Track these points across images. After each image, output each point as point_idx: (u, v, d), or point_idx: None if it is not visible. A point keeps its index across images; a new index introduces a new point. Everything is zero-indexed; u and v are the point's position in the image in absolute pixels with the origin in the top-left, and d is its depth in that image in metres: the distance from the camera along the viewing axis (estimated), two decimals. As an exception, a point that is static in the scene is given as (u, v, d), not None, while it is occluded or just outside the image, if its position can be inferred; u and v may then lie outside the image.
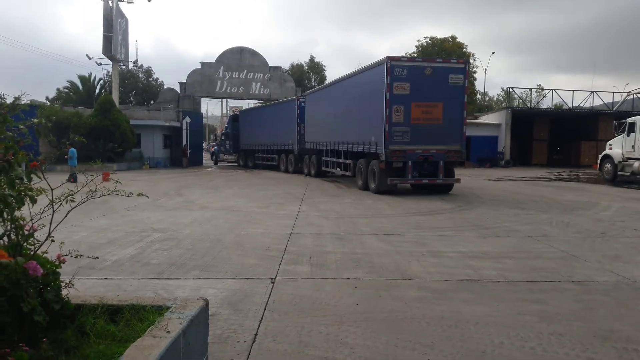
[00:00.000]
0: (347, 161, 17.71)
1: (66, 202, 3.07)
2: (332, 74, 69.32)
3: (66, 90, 47.97)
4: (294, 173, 24.36)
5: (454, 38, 46.39)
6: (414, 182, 14.74)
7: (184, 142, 33.43)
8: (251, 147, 30.92)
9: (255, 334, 3.91)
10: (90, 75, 47.45)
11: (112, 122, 27.61)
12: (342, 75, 18.66)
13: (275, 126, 26.78)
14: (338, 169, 19.09)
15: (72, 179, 16.40)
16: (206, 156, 46.67)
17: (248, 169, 30.90)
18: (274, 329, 4.03)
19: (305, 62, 53.29)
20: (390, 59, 13.83)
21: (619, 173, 20.86)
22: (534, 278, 5.68)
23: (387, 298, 4.87)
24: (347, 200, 13.32)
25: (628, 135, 20.27)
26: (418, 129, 14.04)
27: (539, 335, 3.96)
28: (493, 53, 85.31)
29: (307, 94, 24.31)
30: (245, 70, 36.51)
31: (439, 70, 14.07)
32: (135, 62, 41.53)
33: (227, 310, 4.46)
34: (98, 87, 47.72)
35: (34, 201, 2.78)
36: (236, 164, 34.43)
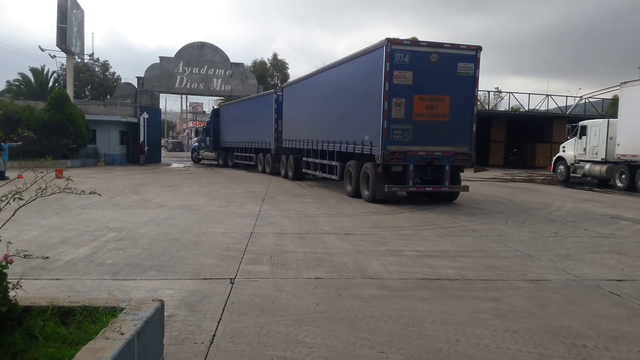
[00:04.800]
0: (333, 163, 15.46)
1: (14, 199, 2.94)
2: (294, 71, 69.33)
3: (17, 82, 46.07)
4: (272, 174, 22.72)
5: (415, 39, 47.03)
6: (416, 190, 12.57)
7: (142, 139, 32.62)
8: (230, 145, 29.39)
9: (214, 335, 3.86)
10: (43, 68, 45.75)
11: (66, 117, 26.66)
12: (328, 64, 16.40)
13: (252, 122, 25.31)
14: (321, 171, 16.79)
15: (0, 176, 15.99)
16: (164, 153, 45.75)
17: (227, 167, 29.60)
18: (232, 329, 3.99)
19: (268, 59, 52.93)
20: (390, 41, 11.68)
21: (572, 175, 21.70)
22: (489, 276, 5.83)
23: (347, 297, 4.89)
24: (309, 200, 13.32)
25: (580, 138, 21.10)
26: (421, 127, 12.02)
27: (493, 332, 4.06)
28: None
29: (284, 86, 22.29)
30: (206, 66, 35.99)
31: (446, 57, 12.01)
32: (91, 55, 40.45)
33: (184, 311, 4.38)
34: (51, 80, 46.02)
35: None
36: (216, 163, 32.63)
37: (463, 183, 13.24)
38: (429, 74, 11.93)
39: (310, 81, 18.05)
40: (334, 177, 15.58)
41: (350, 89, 14.00)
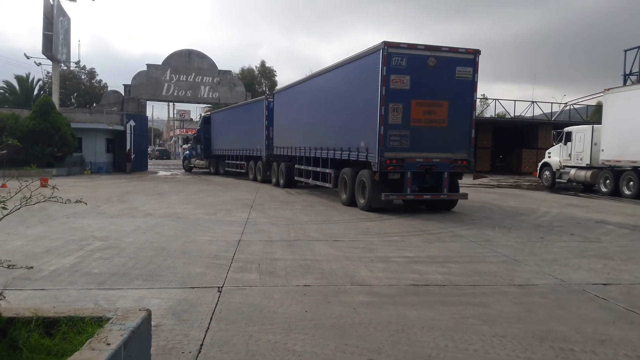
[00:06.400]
0: (327, 170, 15.00)
1: (-3, 209, 2.90)
2: (281, 78, 69.26)
3: (2, 90, 45.72)
4: (263, 182, 22.29)
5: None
6: (414, 198, 12.22)
7: (128, 147, 32.37)
8: (221, 153, 29.01)
9: (201, 345, 3.82)
10: (28, 76, 45.49)
11: (52, 125, 26.37)
12: (322, 68, 15.91)
13: (243, 130, 24.94)
14: (314, 179, 16.33)
15: None
16: (150, 161, 45.43)
17: (219, 175, 29.31)
18: (220, 338, 3.95)
19: (256, 66, 52.99)
20: (387, 44, 11.27)
21: (557, 180, 21.94)
22: (477, 282, 5.85)
23: (335, 304, 4.88)
24: (298, 207, 13.29)
25: (565, 144, 21.36)
26: (419, 133, 11.65)
27: (482, 337, 4.07)
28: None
29: (276, 92, 21.77)
30: (194, 74, 35.82)
31: (444, 61, 11.68)
32: (78, 63, 40.11)
33: (171, 320, 4.34)
34: (37, 88, 45.72)
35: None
36: (208, 171, 32.34)
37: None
38: (427, 79, 11.61)
39: (302, 87, 17.63)
40: (327, 185, 15.17)
41: (345, 94, 13.61)
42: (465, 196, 12.75)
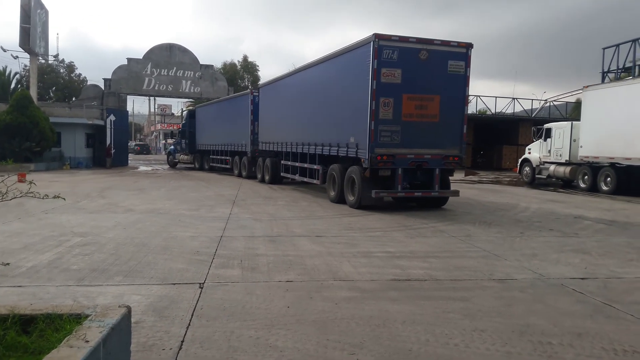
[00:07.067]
0: (315, 166, 14.58)
1: (-28, 204, 2.84)
2: (264, 73, 68.99)
3: (-23, 84, 44.65)
4: (248, 178, 21.95)
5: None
6: (405, 195, 12.04)
7: (108, 142, 31.93)
8: (206, 148, 28.71)
9: (182, 341, 3.80)
10: (5, 69, 44.48)
11: (30, 119, 25.87)
12: (310, 62, 15.38)
13: (228, 124, 24.63)
14: (301, 175, 15.98)
15: None
16: (131, 156, 44.90)
17: (204, 171, 28.96)
18: (201, 335, 3.93)
19: (238, 61, 52.60)
20: (378, 36, 10.91)
21: (537, 176, 22.24)
22: (458, 277, 5.91)
23: (318, 299, 4.89)
24: (281, 202, 13.26)
25: (545, 140, 21.66)
26: (410, 128, 11.33)
27: (462, 331, 4.11)
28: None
29: (261, 86, 21.36)
30: (175, 68, 35.42)
31: (436, 55, 11.36)
32: (56, 56, 39.37)
33: (152, 317, 4.30)
34: (14, 81, 44.79)
35: None
36: (193, 166, 31.89)
37: None
38: (419, 72, 11.30)
39: (289, 80, 17.23)
40: (315, 181, 14.75)
41: (334, 88, 13.21)
42: (456, 193, 12.54)
